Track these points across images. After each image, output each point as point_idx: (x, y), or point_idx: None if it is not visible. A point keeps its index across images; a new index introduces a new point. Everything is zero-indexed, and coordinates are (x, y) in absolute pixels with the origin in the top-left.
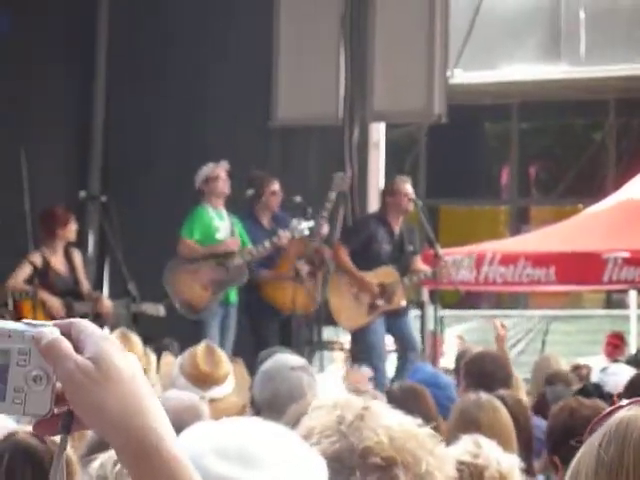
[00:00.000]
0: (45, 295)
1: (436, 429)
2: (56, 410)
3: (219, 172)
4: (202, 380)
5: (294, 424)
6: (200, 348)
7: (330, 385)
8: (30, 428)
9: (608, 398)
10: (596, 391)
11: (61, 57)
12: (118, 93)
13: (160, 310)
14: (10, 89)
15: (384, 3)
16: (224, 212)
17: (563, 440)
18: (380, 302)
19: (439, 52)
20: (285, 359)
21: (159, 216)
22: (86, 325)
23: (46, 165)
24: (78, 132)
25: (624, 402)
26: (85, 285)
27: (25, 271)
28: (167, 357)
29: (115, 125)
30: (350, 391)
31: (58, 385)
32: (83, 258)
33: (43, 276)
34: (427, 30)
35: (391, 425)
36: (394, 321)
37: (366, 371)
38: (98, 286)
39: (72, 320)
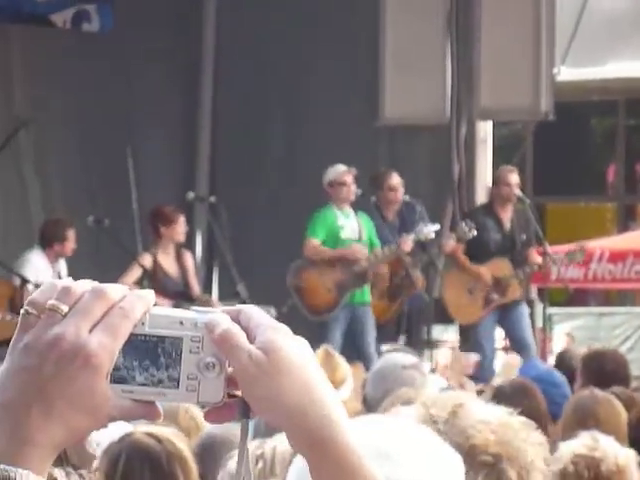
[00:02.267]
0: (157, 298)
1: (544, 427)
2: (227, 398)
3: (346, 178)
4: None
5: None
6: (318, 352)
7: (441, 383)
8: (145, 427)
9: None
10: None
11: (168, 58)
12: (225, 92)
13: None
14: (116, 89)
15: (490, 1)
16: (350, 211)
17: None
18: (495, 296)
19: (545, 49)
20: (397, 358)
21: (267, 217)
22: (255, 312)
23: (153, 165)
24: (185, 132)
25: None
26: (195, 287)
27: (135, 273)
28: None
29: (223, 125)
30: (454, 381)
31: (229, 371)
32: (193, 259)
33: (153, 278)
34: (533, 27)
35: (488, 420)
36: (506, 314)
37: (472, 357)
38: (207, 288)
39: (241, 306)
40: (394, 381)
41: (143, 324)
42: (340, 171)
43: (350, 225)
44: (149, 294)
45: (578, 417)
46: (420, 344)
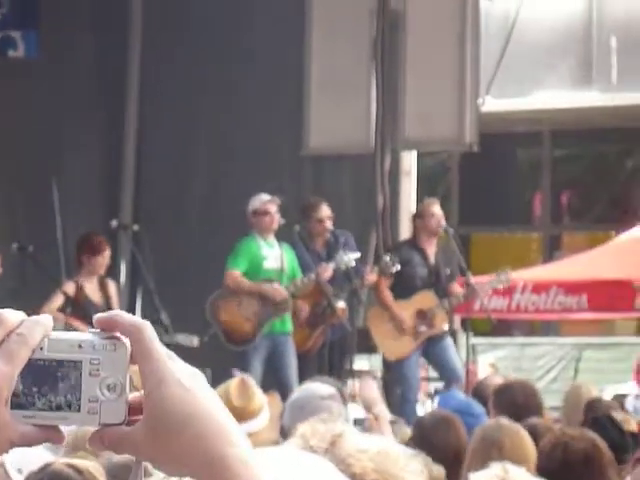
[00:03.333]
0: (78, 324)
1: (463, 460)
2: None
3: (269, 207)
4: (235, 414)
5: None
6: (233, 382)
7: (359, 413)
8: (65, 459)
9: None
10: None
11: (92, 87)
12: (150, 121)
13: (194, 341)
14: (40, 119)
15: (415, 31)
16: (273, 240)
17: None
18: (422, 328)
19: (470, 80)
20: (315, 388)
21: (191, 245)
22: (150, 335)
23: (78, 194)
24: (109, 161)
25: None
26: None
27: (58, 300)
28: None
29: (147, 154)
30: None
31: (131, 396)
32: (117, 287)
33: (76, 305)
34: (458, 58)
35: (367, 448)
36: (432, 346)
37: (372, 380)
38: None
39: (141, 326)
40: (312, 411)
41: (42, 349)
42: (264, 200)
43: (273, 255)
44: (47, 319)
45: (484, 445)
46: (345, 374)
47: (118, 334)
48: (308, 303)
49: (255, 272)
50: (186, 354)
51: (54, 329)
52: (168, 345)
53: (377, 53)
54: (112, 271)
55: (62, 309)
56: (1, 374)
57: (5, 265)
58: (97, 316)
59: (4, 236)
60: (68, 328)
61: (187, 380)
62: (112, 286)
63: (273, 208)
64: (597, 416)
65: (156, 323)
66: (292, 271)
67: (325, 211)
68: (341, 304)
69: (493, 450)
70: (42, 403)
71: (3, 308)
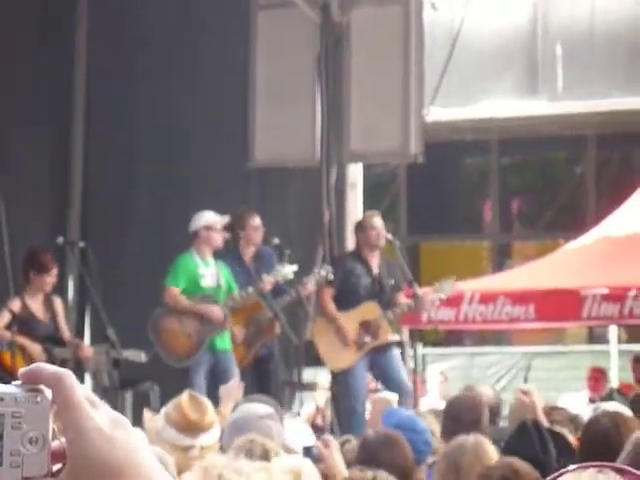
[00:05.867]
0: (24, 341)
1: (410, 474)
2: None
3: (217, 225)
4: (191, 428)
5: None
6: (184, 397)
7: (298, 430)
8: None
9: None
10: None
11: (38, 102)
12: (96, 137)
13: (142, 356)
14: None
15: (359, 43)
16: (210, 259)
17: None
18: (366, 339)
19: (414, 91)
20: (253, 408)
21: (139, 261)
22: (73, 387)
23: (24, 212)
24: (55, 178)
25: (571, 467)
26: (66, 331)
27: (4, 317)
28: (147, 413)
29: (93, 171)
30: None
31: (54, 445)
32: (63, 304)
33: (22, 323)
34: (402, 69)
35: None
36: (377, 358)
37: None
38: (79, 332)
39: (61, 375)
40: (250, 430)
41: None
42: (211, 217)
43: (210, 273)
44: None
45: (445, 466)
46: (290, 387)
47: (41, 386)
48: (242, 321)
49: (193, 290)
50: (133, 370)
51: (2, 349)
52: (116, 361)
53: (321, 66)
54: (59, 288)
55: (8, 326)
56: None
57: None
58: (20, 371)
59: None
60: (14, 345)
61: (109, 428)
62: (58, 303)
63: (219, 226)
64: (525, 423)
65: (104, 339)
66: (228, 287)
67: (258, 220)
68: (279, 319)
69: (452, 472)
70: None
71: None
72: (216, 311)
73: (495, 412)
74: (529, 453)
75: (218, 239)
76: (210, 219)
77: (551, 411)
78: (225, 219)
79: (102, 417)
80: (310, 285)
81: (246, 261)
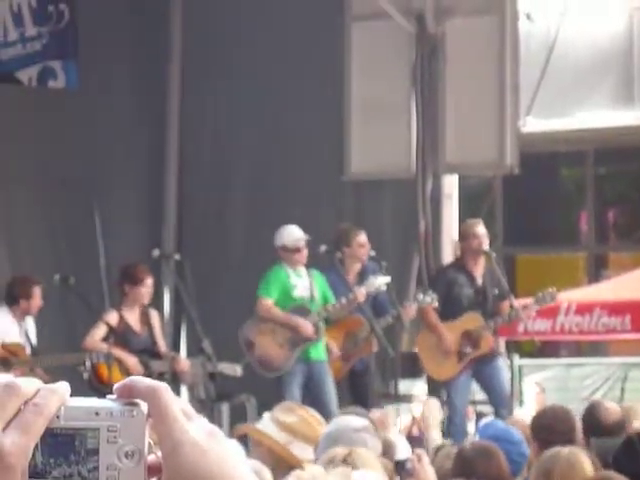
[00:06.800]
0: (121, 353)
1: None
2: None
3: (300, 245)
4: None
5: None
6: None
7: (405, 445)
8: None
9: None
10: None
11: (133, 118)
12: (192, 151)
13: (237, 370)
14: (81, 150)
15: (454, 54)
16: (302, 269)
17: None
18: (468, 349)
19: (510, 102)
20: (348, 421)
21: (234, 273)
22: (168, 399)
23: (120, 225)
24: (152, 190)
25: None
26: (162, 344)
27: (100, 330)
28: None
29: (189, 183)
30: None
31: (149, 459)
32: (160, 317)
33: (119, 335)
34: (498, 80)
35: None
36: (482, 368)
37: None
38: (176, 344)
39: (155, 387)
40: (345, 444)
41: (58, 417)
42: (297, 237)
43: (302, 284)
44: (63, 387)
45: (537, 476)
46: (387, 399)
47: (136, 400)
48: (340, 335)
49: (285, 300)
50: (229, 383)
51: (99, 361)
52: (212, 374)
53: (416, 77)
54: (155, 301)
55: (105, 339)
56: (17, 446)
57: (47, 297)
58: (116, 385)
59: (46, 268)
60: (111, 358)
61: (205, 441)
62: (155, 316)
63: (302, 244)
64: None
65: (199, 352)
66: (323, 297)
67: (364, 236)
68: (377, 334)
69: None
70: (58, 472)
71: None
72: (306, 325)
73: (621, 426)
74: (633, 469)
75: (301, 258)
76: (295, 239)
77: None
78: (307, 236)
79: (197, 430)
80: (412, 310)
81: (350, 277)
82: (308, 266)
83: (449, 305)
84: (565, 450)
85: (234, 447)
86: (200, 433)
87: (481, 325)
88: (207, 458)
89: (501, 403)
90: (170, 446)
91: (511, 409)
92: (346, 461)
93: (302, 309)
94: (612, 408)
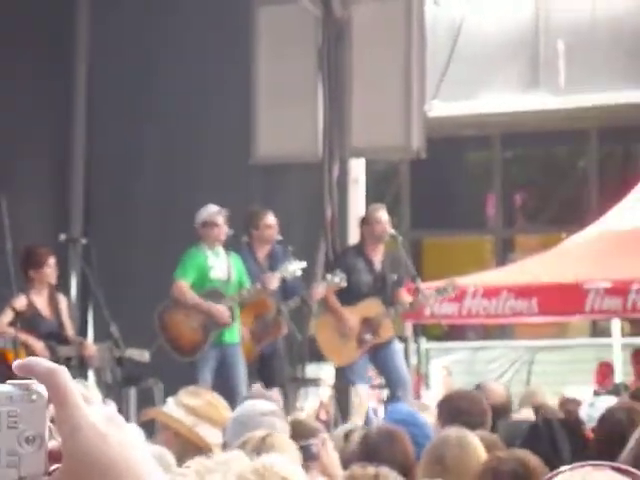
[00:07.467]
0: (27, 338)
1: (411, 470)
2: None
3: (216, 219)
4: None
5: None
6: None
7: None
8: None
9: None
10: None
11: (40, 102)
12: (99, 134)
13: (144, 355)
14: None
15: (360, 38)
16: (221, 250)
17: None
18: (368, 336)
19: (416, 87)
20: (255, 405)
21: (141, 258)
22: (67, 384)
23: (27, 209)
24: (58, 175)
25: (564, 468)
26: (70, 329)
27: (7, 315)
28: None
29: (96, 167)
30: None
31: (51, 444)
32: (68, 302)
33: (27, 320)
34: (404, 65)
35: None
36: (379, 353)
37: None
38: (83, 329)
39: (54, 370)
40: (253, 428)
41: None
42: (211, 212)
43: (220, 265)
44: None
45: (429, 461)
46: (295, 382)
47: (35, 384)
48: (250, 318)
49: (202, 282)
50: (136, 367)
51: (5, 347)
52: (120, 359)
53: (323, 62)
54: (63, 285)
55: (13, 323)
56: None
57: None
58: (15, 363)
59: None
60: (18, 343)
61: (103, 425)
62: (63, 300)
63: (220, 219)
64: (537, 423)
65: (107, 336)
66: (240, 280)
67: (272, 218)
68: (285, 317)
69: (437, 466)
70: None
71: None
72: (221, 310)
73: (506, 408)
74: (540, 453)
75: (219, 234)
76: (212, 212)
77: (566, 402)
78: (225, 212)
79: (96, 414)
80: (320, 291)
81: (260, 259)
82: None
83: (347, 291)
84: (454, 433)
85: (133, 432)
86: (99, 417)
87: (381, 312)
88: (106, 441)
89: (397, 386)
90: (69, 430)
91: (410, 392)
92: (262, 445)
93: (216, 293)
94: (496, 390)
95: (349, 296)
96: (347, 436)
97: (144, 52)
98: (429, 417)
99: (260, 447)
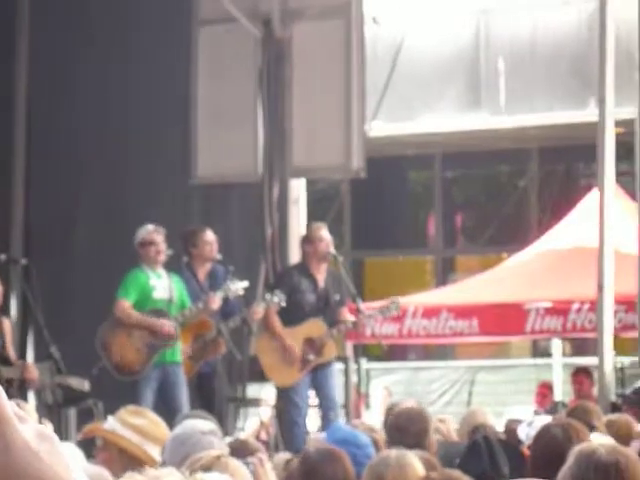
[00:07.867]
0: None
1: None
2: None
3: (154, 237)
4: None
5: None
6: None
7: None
8: None
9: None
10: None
11: None
12: (39, 155)
13: (85, 385)
14: None
15: (301, 57)
16: (162, 271)
17: None
18: (311, 357)
19: (356, 106)
20: (195, 424)
21: (82, 279)
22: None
23: None
24: None
25: None
26: (12, 352)
27: None
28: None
29: (36, 187)
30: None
31: None
32: (11, 325)
33: None
34: (344, 85)
35: None
36: (317, 374)
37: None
38: (22, 349)
39: None
40: (193, 446)
41: None
42: (149, 230)
43: (162, 285)
44: None
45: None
46: (235, 402)
47: None
48: (189, 337)
49: (144, 302)
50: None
51: None
52: (59, 385)
53: (263, 82)
54: (3, 306)
55: None
56: None
57: None
58: None
59: None
60: None
61: (35, 442)
62: (6, 323)
63: (158, 237)
64: (476, 440)
65: (47, 357)
66: (181, 301)
67: (211, 235)
68: (224, 336)
69: None
70: None
71: None
72: (166, 325)
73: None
74: (478, 470)
75: (159, 251)
76: (148, 231)
77: (510, 423)
78: (162, 230)
79: (29, 431)
80: (259, 310)
81: (200, 279)
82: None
83: (291, 311)
84: (393, 453)
85: (66, 450)
86: (31, 434)
87: (324, 332)
88: (38, 458)
89: (330, 408)
90: (1, 447)
91: (338, 414)
92: (216, 463)
93: (160, 313)
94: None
95: (292, 316)
96: (288, 462)
97: (83, 68)
98: (377, 437)
99: (212, 466)
